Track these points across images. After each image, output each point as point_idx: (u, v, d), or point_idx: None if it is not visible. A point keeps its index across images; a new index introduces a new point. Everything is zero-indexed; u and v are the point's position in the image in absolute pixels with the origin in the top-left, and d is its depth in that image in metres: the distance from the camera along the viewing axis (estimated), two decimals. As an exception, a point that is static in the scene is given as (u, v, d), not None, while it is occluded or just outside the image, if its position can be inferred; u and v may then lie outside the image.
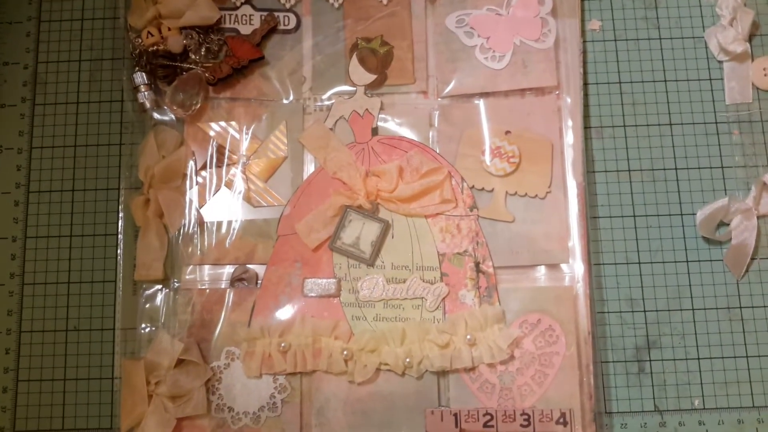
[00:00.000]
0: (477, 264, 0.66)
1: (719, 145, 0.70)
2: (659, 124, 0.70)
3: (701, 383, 0.66)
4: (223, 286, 0.66)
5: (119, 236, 0.68)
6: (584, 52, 0.71)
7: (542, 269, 0.66)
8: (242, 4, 0.71)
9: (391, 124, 0.69)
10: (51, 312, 0.68)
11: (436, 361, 0.63)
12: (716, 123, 0.70)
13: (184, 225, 0.67)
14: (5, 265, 0.69)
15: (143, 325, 0.66)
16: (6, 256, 0.69)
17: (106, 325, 0.67)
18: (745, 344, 0.67)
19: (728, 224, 0.68)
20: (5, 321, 0.68)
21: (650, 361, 0.66)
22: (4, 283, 0.68)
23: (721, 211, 0.67)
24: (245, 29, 0.70)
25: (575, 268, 0.66)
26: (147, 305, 0.66)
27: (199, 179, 0.68)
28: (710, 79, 0.71)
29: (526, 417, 0.63)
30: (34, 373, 0.67)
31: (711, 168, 0.70)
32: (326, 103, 0.70)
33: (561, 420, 0.63)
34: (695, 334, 0.67)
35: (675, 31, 0.72)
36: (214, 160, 0.68)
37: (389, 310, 0.66)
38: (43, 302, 0.68)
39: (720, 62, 0.71)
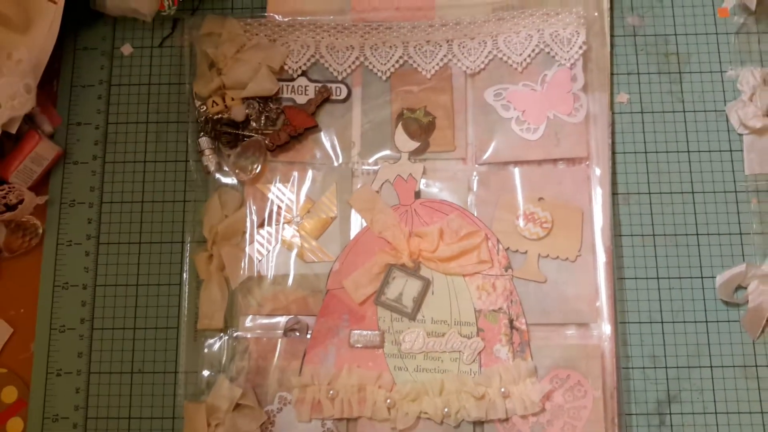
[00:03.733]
0: (511, 321, 0.70)
1: (738, 213, 0.73)
2: (682, 192, 0.74)
3: (719, 436, 0.70)
4: (277, 336, 0.71)
5: (183, 287, 0.73)
6: (613, 123, 0.75)
7: (572, 327, 0.70)
8: (299, 76, 0.76)
9: (432, 189, 0.74)
10: (118, 355, 0.72)
11: (472, 412, 0.67)
12: (736, 192, 0.74)
13: (243, 278, 0.72)
14: (76, 310, 0.73)
15: (204, 371, 0.71)
16: (77, 303, 0.74)
17: (169, 368, 0.72)
18: (761, 401, 0.70)
19: (746, 288, 0.72)
20: (76, 362, 0.72)
21: (671, 414, 0.70)
22: (75, 327, 0.73)
23: (739, 276, 0.71)
24: (301, 99, 0.75)
25: (603, 327, 0.70)
26: (207, 351, 0.71)
27: (258, 237, 0.73)
28: (731, 150, 0.75)
29: (555, 466, 0.67)
30: (101, 411, 0.71)
31: (730, 234, 0.73)
32: (373, 167, 0.74)
33: (587, 469, 0.67)
34: (713, 390, 0.70)
35: (698, 104, 0.76)
36: (273, 219, 0.73)
37: (429, 361, 0.70)
38: (110, 346, 0.73)
39: (740, 135, 0.75)
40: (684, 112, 0.76)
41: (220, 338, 0.72)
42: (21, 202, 0.73)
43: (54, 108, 0.78)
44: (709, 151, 0.75)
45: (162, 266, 0.75)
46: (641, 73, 0.77)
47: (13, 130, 0.71)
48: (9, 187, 0.73)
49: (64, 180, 0.77)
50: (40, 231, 0.75)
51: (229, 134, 0.74)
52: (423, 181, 0.74)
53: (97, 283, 0.74)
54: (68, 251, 0.75)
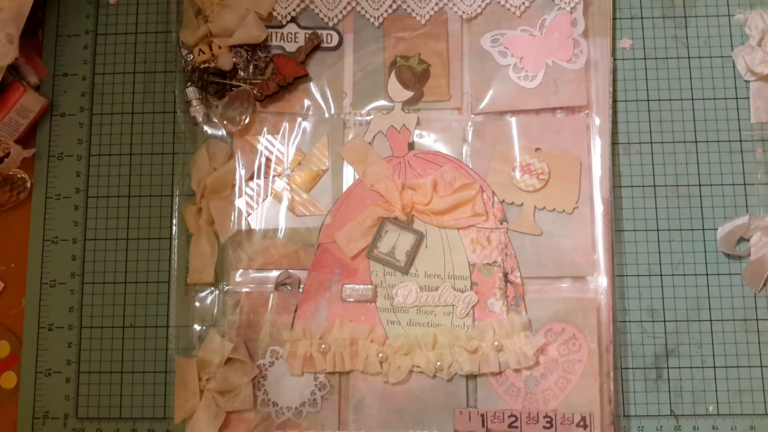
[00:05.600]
0: (505, 274, 0.70)
1: (743, 162, 0.72)
2: (685, 141, 0.73)
3: (716, 390, 0.69)
4: (268, 290, 0.71)
5: (173, 240, 0.72)
6: (614, 70, 0.73)
7: (568, 281, 0.69)
8: (288, 22, 0.74)
9: (426, 140, 0.72)
10: (109, 309, 0.73)
11: (465, 365, 0.67)
12: (740, 141, 0.72)
13: (233, 232, 0.71)
14: (66, 265, 0.73)
15: (195, 326, 0.71)
16: (67, 257, 0.74)
17: (160, 322, 0.72)
18: (760, 354, 0.70)
19: (748, 240, 0.70)
20: (67, 317, 0.73)
21: (668, 368, 0.70)
22: (65, 281, 0.73)
23: (742, 228, 0.70)
24: (290, 47, 0.73)
25: (599, 281, 0.69)
26: (198, 306, 0.71)
27: (248, 189, 0.72)
28: (736, 98, 0.73)
29: (548, 419, 0.67)
30: (93, 365, 0.72)
31: (734, 185, 0.72)
32: (365, 118, 0.73)
33: (581, 423, 0.67)
34: (712, 343, 0.70)
35: (704, 50, 0.74)
36: (262, 171, 0.72)
37: (422, 316, 0.69)
38: (101, 300, 0.73)
39: (747, 82, 0.73)
40: (689, 58, 0.74)
41: (211, 292, 0.72)
42: (8, 155, 0.73)
43: (39, 58, 0.77)
44: (714, 99, 0.73)
45: (152, 220, 0.74)
46: (645, 17, 0.75)
47: (-4, 82, 0.70)
48: (-6, 140, 0.72)
49: (52, 132, 0.76)
50: (29, 185, 0.75)
51: (216, 84, 0.72)
52: (417, 131, 0.73)
53: (86, 237, 0.74)
54: (57, 205, 0.75)
